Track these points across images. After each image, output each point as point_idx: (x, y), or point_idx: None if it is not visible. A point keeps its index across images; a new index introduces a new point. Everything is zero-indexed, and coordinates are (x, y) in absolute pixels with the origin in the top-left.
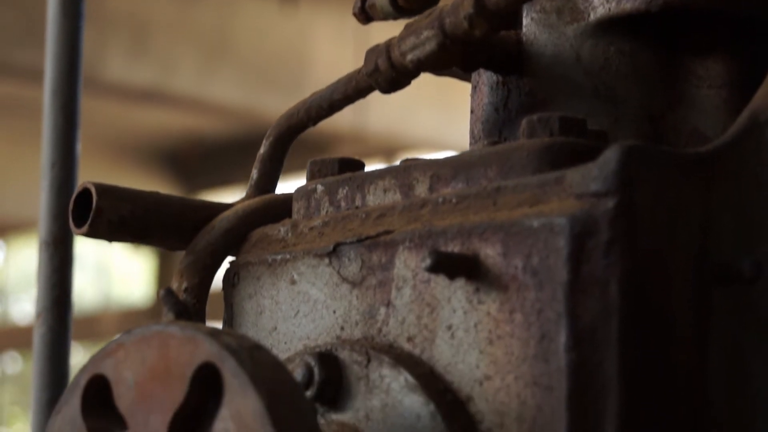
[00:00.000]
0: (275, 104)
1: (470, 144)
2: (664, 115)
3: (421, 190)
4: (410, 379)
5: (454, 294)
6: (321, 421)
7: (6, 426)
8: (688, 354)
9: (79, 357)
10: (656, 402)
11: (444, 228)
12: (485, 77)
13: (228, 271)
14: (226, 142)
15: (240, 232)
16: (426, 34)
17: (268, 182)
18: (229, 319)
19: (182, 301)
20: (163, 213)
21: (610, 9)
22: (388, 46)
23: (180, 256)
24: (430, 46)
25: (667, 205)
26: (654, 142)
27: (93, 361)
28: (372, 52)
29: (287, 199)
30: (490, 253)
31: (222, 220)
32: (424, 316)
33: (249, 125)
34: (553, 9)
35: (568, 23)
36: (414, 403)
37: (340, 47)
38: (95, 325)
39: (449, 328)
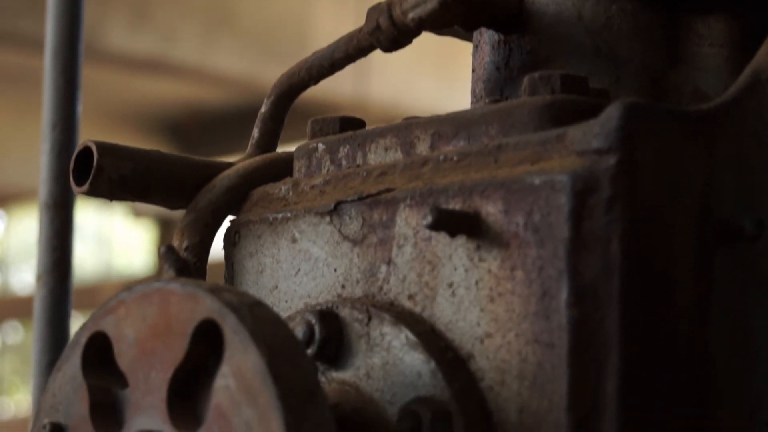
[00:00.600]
0: (277, 74)
1: (471, 103)
2: (665, 74)
3: (423, 148)
4: (411, 336)
5: (455, 252)
6: (321, 379)
7: (6, 395)
8: (690, 311)
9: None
10: (657, 359)
11: (445, 186)
12: (486, 36)
13: (229, 230)
14: (228, 112)
15: (241, 191)
16: None
17: (269, 141)
18: (230, 278)
19: (183, 258)
20: (164, 171)
21: None
22: (390, 4)
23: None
24: (431, 5)
25: (669, 163)
26: (655, 101)
27: (94, 318)
28: (373, 11)
29: (288, 157)
30: (491, 210)
31: (223, 178)
32: (425, 273)
33: (250, 95)
34: None
35: None
36: (415, 360)
37: (341, 18)
38: (96, 295)
39: (450, 285)
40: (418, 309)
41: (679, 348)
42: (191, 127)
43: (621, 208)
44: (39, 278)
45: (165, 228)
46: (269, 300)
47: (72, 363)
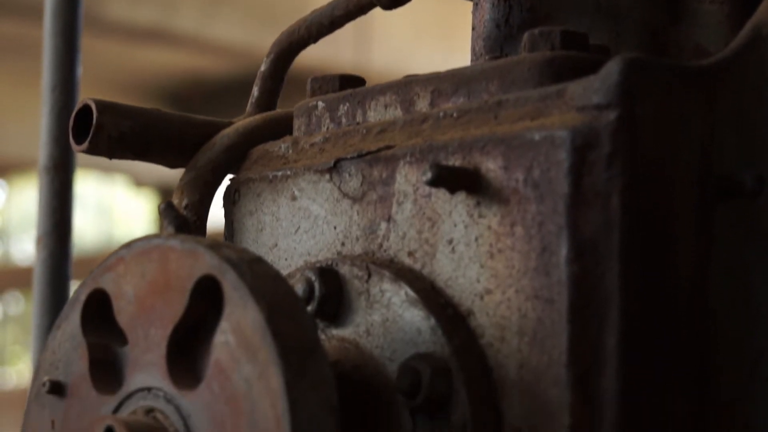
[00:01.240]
0: None
1: (471, 61)
2: (666, 30)
3: (422, 105)
4: (411, 293)
5: (455, 208)
6: (321, 336)
7: (8, 365)
8: (690, 267)
9: None
10: (658, 315)
11: (445, 142)
12: None
13: (228, 188)
14: (228, 81)
15: (241, 149)
16: None
17: (268, 100)
18: (230, 236)
19: (182, 215)
20: (164, 129)
21: None
22: None
23: None
24: None
25: (670, 118)
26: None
27: (93, 276)
28: None
29: (288, 116)
30: (491, 166)
31: (223, 136)
32: (425, 230)
33: (251, 65)
34: None
35: None
36: (414, 317)
37: None
38: (97, 265)
39: (450, 242)
40: (417, 266)
41: (679, 303)
42: (191, 96)
43: (621, 163)
44: (39, 240)
45: (166, 198)
46: (269, 258)
47: (71, 320)
